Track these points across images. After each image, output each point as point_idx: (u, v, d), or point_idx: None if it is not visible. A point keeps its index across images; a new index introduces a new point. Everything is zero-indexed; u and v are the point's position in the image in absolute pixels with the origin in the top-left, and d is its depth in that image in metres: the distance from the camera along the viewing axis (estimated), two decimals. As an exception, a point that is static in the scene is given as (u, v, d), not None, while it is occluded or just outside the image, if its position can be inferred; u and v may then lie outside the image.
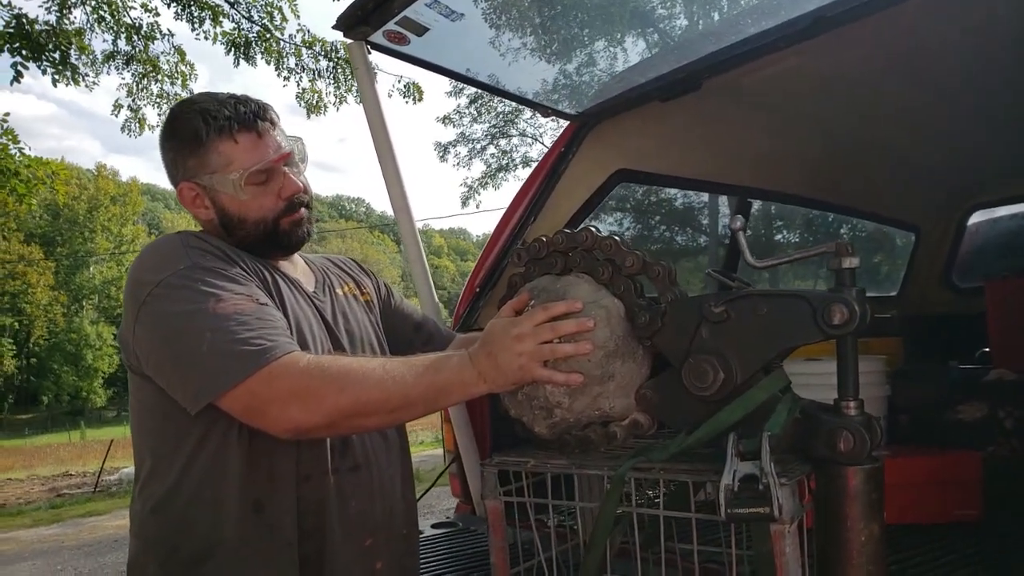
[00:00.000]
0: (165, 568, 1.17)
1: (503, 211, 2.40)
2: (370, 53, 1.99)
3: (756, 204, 3.43)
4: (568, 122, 2.44)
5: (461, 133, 25.15)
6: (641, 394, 1.24)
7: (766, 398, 1.10)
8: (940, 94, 2.44)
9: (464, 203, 26.95)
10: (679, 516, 1.14)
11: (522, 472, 1.27)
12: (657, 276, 1.22)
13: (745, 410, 1.10)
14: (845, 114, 2.55)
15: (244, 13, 9.45)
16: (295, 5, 9.77)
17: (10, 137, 8.21)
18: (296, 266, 1.40)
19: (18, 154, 8.26)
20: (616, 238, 1.29)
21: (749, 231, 2.95)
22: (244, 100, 1.27)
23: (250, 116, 1.24)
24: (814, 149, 2.85)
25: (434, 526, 2.17)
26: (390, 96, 11.11)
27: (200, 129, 1.22)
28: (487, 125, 25.08)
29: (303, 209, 1.31)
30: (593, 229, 1.33)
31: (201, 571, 1.15)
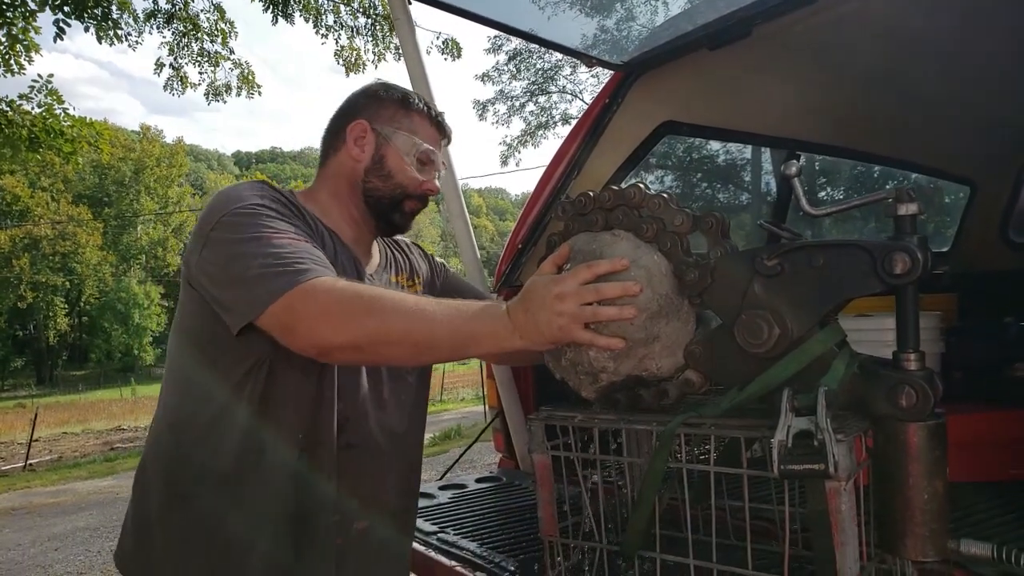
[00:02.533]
0: (167, 480, 1.29)
1: (543, 169, 2.37)
2: (411, 3, 1.95)
3: (802, 159, 3.33)
4: (612, 72, 2.38)
5: (500, 90, 24.90)
6: (690, 351, 1.22)
7: (822, 352, 1.07)
8: (1000, 41, 2.32)
9: (503, 162, 26.84)
10: (730, 472, 1.12)
11: (569, 427, 1.26)
12: (709, 228, 1.19)
13: (799, 365, 1.07)
14: (901, 63, 2.44)
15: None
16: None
17: (54, 97, 8.35)
18: (364, 244, 1.48)
19: (62, 114, 8.40)
20: (665, 195, 1.26)
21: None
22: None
23: (445, 123, 1.49)
24: (868, 99, 2.74)
25: (478, 480, 2.20)
26: (428, 53, 10.97)
27: (412, 97, 1.44)
28: (526, 82, 24.79)
29: (421, 206, 1.46)
30: (642, 185, 1.30)
31: (196, 491, 1.26)
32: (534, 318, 1.09)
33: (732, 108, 2.59)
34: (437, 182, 1.45)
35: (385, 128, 1.40)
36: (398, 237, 1.59)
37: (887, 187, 1.08)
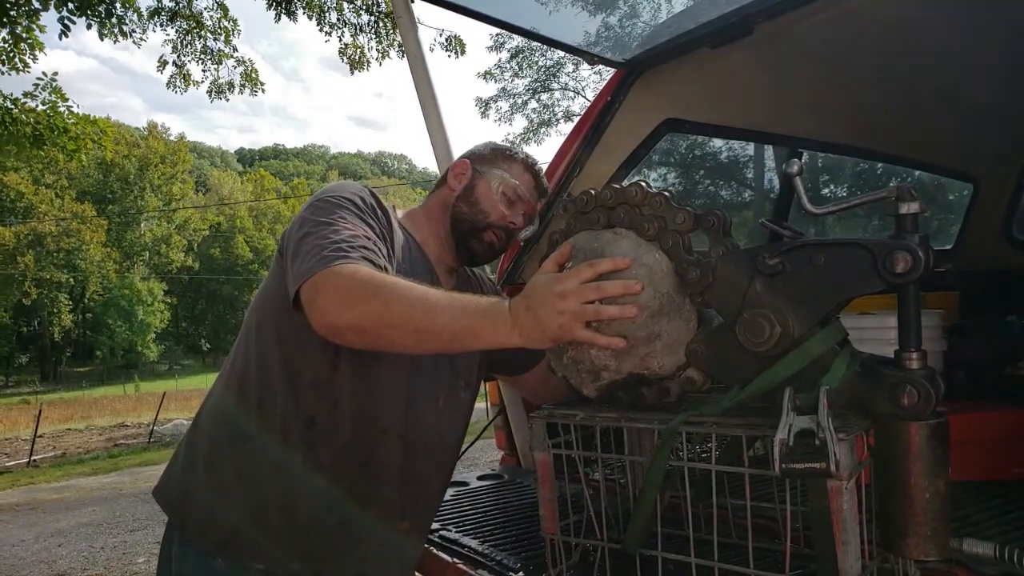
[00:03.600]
0: (212, 436, 1.37)
1: (546, 165, 2.37)
2: (413, 1, 1.95)
3: (804, 157, 3.32)
4: (614, 71, 2.38)
5: (502, 88, 24.87)
6: (692, 349, 1.22)
7: (823, 351, 1.07)
8: (1003, 38, 2.31)
9: (505, 159, 26.66)
10: (731, 471, 1.12)
11: (571, 425, 1.26)
12: (711, 226, 1.19)
13: (801, 364, 1.07)
14: (903, 60, 2.43)
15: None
16: (335, -43, 9.66)
17: (58, 95, 8.36)
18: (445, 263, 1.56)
19: (66, 111, 8.41)
20: (667, 193, 1.26)
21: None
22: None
23: (543, 177, 1.59)
24: (870, 97, 2.73)
25: (480, 478, 2.20)
26: (432, 50, 10.97)
27: (517, 152, 1.59)
28: (529, 80, 24.75)
29: (502, 242, 1.54)
30: (644, 184, 1.30)
31: (237, 451, 1.33)
32: (535, 315, 1.10)
33: (734, 106, 2.59)
34: (526, 230, 1.56)
35: (483, 168, 1.54)
36: (479, 271, 1.68)
37: (890, 184, 1.08)
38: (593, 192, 1.33)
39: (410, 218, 1.55)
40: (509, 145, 1.63)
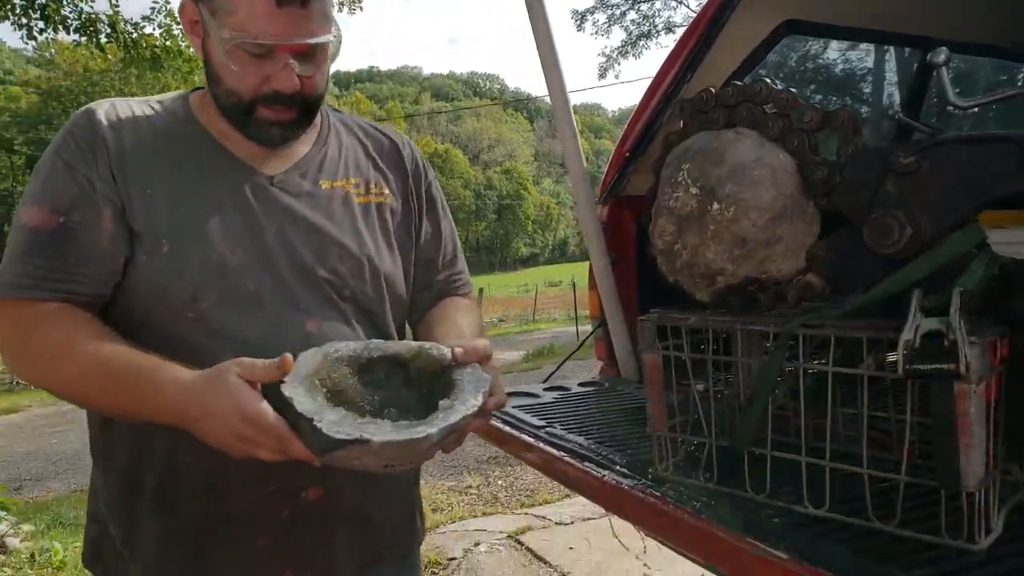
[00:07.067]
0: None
1: (644, 81, 2.29)
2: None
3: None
4: (731, -31, 2.24)
5: (600, -1, 23.91)
6: (813, 254, 1.19)
7: (958, 253, 1.02)
8: None
9: (602, 74, 25.98)
10: (848, 373, 1.11)
11: (682, 328, 1.27)
12: (840, 125, 1.14)
13: (933, 265, 1.03)
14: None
15: None
16: None
17: (172, 18, 8.66)
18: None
19: (180, 34, 8.72)
20: (793, 90, 1.21)
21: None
22: None
23: None
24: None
25: (581, 384, 2.25)
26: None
27: None
28: (628, -12, 23.66)
29: (290, 111, 1.09)
30: (768, 81, 1.25)
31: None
32: (203, 429, 0.93)
33: (862, 5, 2.40)
34: (291, 70, 1.04)
35: (205, 12, 1.05)
36: (383, 129, 1.32)
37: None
38: (713, 90, 1.29)
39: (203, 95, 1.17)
40: None
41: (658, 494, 1.28)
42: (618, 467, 1.41)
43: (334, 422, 0.87)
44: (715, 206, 1.18)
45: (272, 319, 1.07)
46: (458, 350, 1.02)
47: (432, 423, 0.90)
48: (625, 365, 2.27)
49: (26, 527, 4.24)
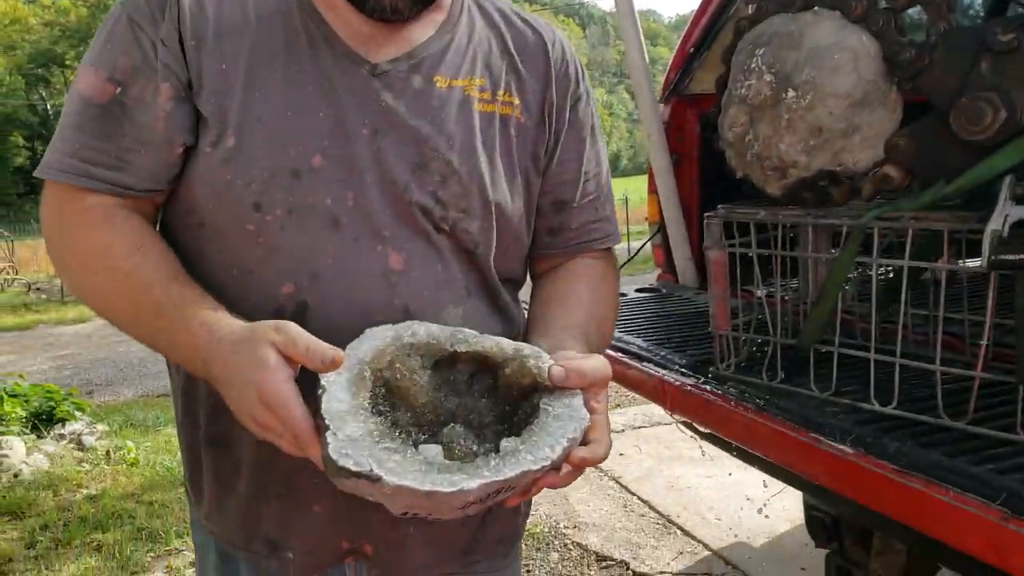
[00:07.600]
0: None
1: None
2: None
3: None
4: None
5: None
6: (893, 143, 1.13)
7: (1056, 140, 0.96)
8: None
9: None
10: (923, 266, 1.06)
11: (750, 224, 1.23)
12: (933, 1, 1.05)
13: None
14: None
15: None
16: None
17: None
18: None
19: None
20: (877, -34, 1.11)
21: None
22: None
23: None
24: None
25: (638, 290, 2.24)
26: None
27: None
28: None
29: None
30: (848, -44, 1.15)
31: None
32: (228, 393, 0.76)
33: None
34: None
35: None
36: (533, 20, 1.03)
37: None
38: (790, -31, 1.20)
39: None
40: None
41: (719, 392, 1.28)
42: (677, 367, 1.41)
43: (347, 441, 0.65)
44: (790, 93, 1.12)
45: (347, 247, 0.86)
46: (556, 370, 0.76)
47: (477, 473, 0.65)
48: (684, 271, 2.24)
49: (101, 427, 4.52)
